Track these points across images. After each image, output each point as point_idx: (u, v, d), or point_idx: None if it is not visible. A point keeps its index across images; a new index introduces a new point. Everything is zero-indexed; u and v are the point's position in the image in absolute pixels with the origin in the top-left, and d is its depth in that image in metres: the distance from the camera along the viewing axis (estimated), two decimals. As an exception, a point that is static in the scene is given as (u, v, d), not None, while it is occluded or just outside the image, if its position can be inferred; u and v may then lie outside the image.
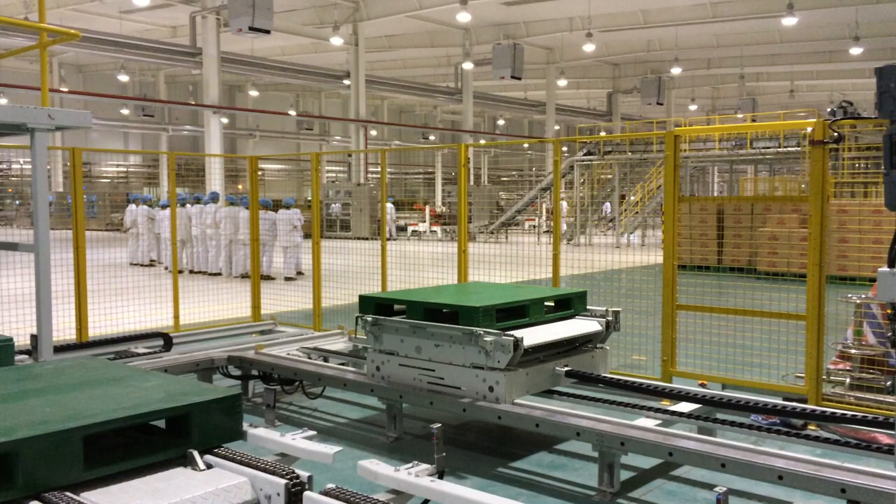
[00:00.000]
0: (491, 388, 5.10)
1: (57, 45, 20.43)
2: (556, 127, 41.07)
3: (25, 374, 3.73)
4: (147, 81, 39.92)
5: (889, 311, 2.99)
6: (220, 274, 16.73)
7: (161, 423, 3.32)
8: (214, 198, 17.60)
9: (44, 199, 5.31)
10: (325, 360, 6.79)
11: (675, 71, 33.06)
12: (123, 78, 35.00)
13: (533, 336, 5.26)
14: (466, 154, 8.02)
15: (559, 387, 5.62)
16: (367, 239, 24.27)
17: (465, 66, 32.85)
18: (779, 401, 5.18)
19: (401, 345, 5.54)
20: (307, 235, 13.37)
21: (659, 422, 4.91)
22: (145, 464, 3.04)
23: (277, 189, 44.36)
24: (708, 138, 25.48)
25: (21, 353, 5.72)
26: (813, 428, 5.15)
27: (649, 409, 5.15)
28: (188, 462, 3.11)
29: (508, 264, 8.89)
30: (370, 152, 15.91)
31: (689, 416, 4.98)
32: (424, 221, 30.85)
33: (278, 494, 2.94)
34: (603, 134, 41.05)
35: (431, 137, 48.95)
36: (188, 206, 17.76)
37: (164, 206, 18.09)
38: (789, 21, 24.73)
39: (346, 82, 31.24)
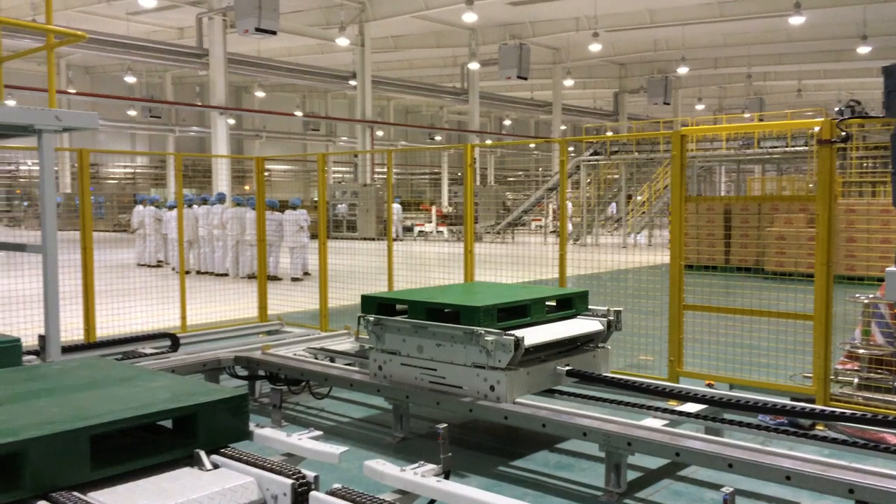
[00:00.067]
0: (492, 388, 5.12)
1: (64, 47, 20.50)
2: (563, 127, 41.04)
3: (33, 375, 3.74)
4: (154, 83, 40.04)
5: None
6: (226, 274, 16.76)
7: (168, 423, 3.32)
8: (221, 198, 17.63)
9: (51, 200, 5.33)
10: (332, 360, 6.80)
11: (682, 70, 32.98)
12: (130, 79, 35.12)
13: (534, 335, 5.27)
14: (472, 154, 8.01)
15: (561, 386, 5.63)
16: (373, 239, 24.30)
17: (471, 66, 32.85)
18: (786, 401, 5.16)
19: (403, 344, 5.57)
20: (313, 236, 13.39)
21: (666, 422, 4.89)
22: (152, 464, 3.05)
23: (284, 190, 44.39)
24: (715, 138, 25.41)
25: (29, 353, 5.75)
26: (821, 428, 5.13)
27: (656, 409, 5.14)
28: (195, 462, 3.11)
29: (515, 265, 8.88)
30: (376, 153, 15.96)
31: (696, 416, 4.97)
32: (431, 222, 30.87)
33: (285, 494, 2.94)
34: (609, 134, 40.98)
35: (438, 138, 48.95)
36: (195, 206, 17.80)
37: (171, 207, 18.13)
38: (797, 20, 24.65)
39: (353, 83, 31.28)
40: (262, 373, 6.73)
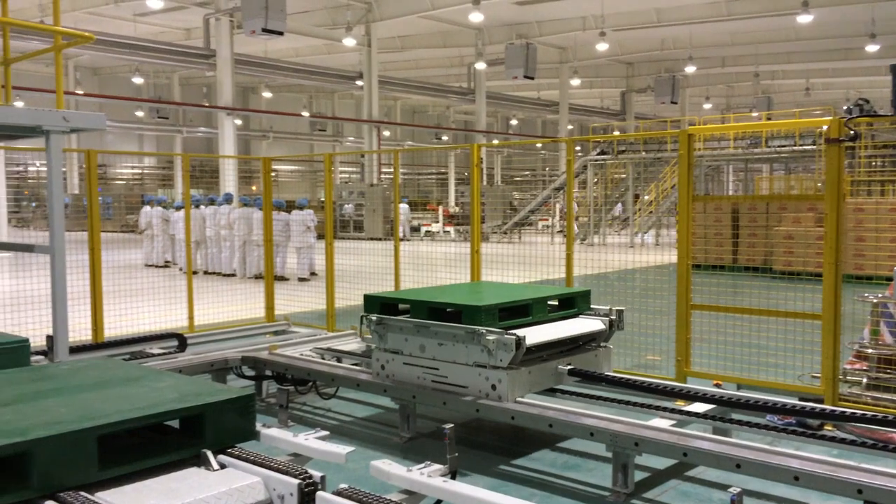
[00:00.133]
0: (493, 387, 5.14)
1: (72, 48, 20.59)
2: (570, 126, 40.98)
3: (41, 375, 3.76)
4: (161, 83, 40.15)
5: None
6: (234, 275, 16.80)
7: (175, 424, 3.33)
8: (228, 199, 17.68)
9: (59, 200, 5.35)
10: (339, 360, 6.80)
11: (690, 69, 32.91)
12: (138, 80, 35.23)
13: (535, 335, 5.29)
14: (479, 154, 8.01)
15: (564, 385, 5.65)
16: (380, 239, 24.32)
17: (477, 66, 32.83)
18: (795, 401, 5.14)
19: (405, 344, 5.59)
20: (320, 236, 13.41)
21: (673, 422, 4.88)
22: (159, 464, 3.05)
23: (291, 190, 44.50)
24: (723, 137, 25.34)
25: (37, 353, 5.77)
26: (829, 428, 5.11)
27: (663, 409, 5.13)
28: (202, 462, 3.12)
29: (522, 264, 8.87)
30: (383, 153, 15.96)
31: (703, 416, 4.96)
32: (438, 222, 30.87)
33: (291, 494, 2.95)
34: (616, 133, 40.91)
35: (444, 138, 48.95)
36: (202, 207, 17.85)
37: (178, 208, 18.18)
38: (804, 18, 24.57)
39: (359, 83, 31.30)
40: (268, 373, 6.74)
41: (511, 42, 29.56)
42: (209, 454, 3.12)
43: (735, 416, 5.17)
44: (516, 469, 5.14)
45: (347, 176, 46.47)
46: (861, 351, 6.11)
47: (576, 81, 36.41)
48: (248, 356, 6.80)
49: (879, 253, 12.14)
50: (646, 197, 29.15)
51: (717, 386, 5.70)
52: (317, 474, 3.03)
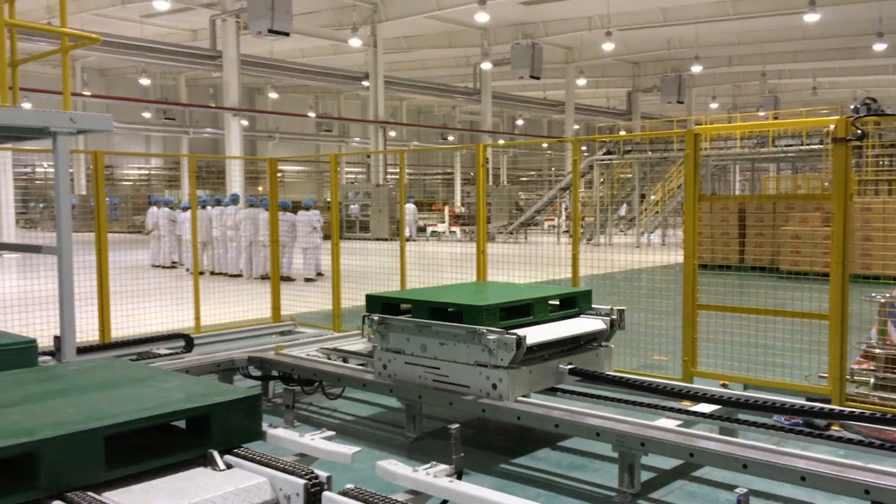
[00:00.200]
0: (494, 386, 5.16)
1: (79, 50, 20.64)
2: (576, 126, 40.94)
3: (48, 375, 3.77)
4: (168, 85, 40.27)
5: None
6: (240, 275, 16.83)
7: (182, 424, 3.34)
8: (235, 199, 17.71)
9: (66, 201, 5.37)
10: (345, 360, 6.81)
11: (696, 69, 32.82)
12: (145, 81, 35.32)
13: (536, 334, 5.31)
14: (485, 154, 8.01)
15: (566, 385, 5.67)
16: (386, 240, 24.33)
17: (483, 66, 32.82)
18: (802, 401, 5.13)
19: (407, 343, 5.61)
20: (326, 236, 13.43)
21: (679, 422, 4.87)
22: (166, 464, 3.06)
23: (297, 190, 44.55)
24: (729, 136, 25.27)
25: (44, 354, 5.79)
26: (836, 428, 5.09)
27: (669, 409, 5.12)
28: (208, 462, 3.12)
29: (528, 265, 8.87)
30: (389, 153, 15.98)
31: (710, 416, 4.95)
32: (443, 222, 30.88)
33: (297, 494, 2.95)
34: (623, 133, 40.87)
35: (450, 138, 48.95)
36: (209, 208, 17.89)
37: (185, 209, 18.23)
38: (811, 17, 24.48)
39: (365, 83, 31.33)
40: (275, 373, 6.75)
41: (517, 42, 29.54)
42: (216, 454, 3.12)
43: (742, 416, 5.16)
44: (521, 469, 5.14)
45: (353, 176, 46.54)
46: (868, 351, 6.09)
47: (582, 81, 36.36)
48: (254, 356, 6.81)
49: (887, 253, 12.09)
50: (652, 197, 29.09)
51: (724, 386, 5.68)
52: (323, 474, 3.04)
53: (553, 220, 31.30)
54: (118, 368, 3.95)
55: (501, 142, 43.96)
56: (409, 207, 29.15)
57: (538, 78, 29.69)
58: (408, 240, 9.37)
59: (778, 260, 15.54)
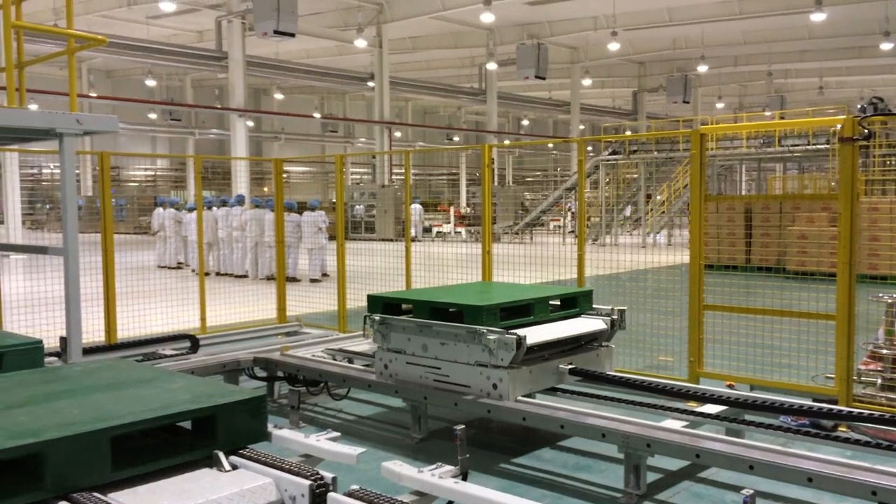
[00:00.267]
0: (494, 386, 5.18)
1: (85, 51, 20.70)
2: (581, 126, 40.89)
3: (54, 376, 3.78)
4: (174, 86, 40.37)
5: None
6: (246, 276, 16.86)
7: (187, 425, 3.35)
8: (240, 200, 17.74)
9: (73, 202, 5.39)
10: (350, 361, 6.82)
11: (702, 69, 32.74)
12: (151, 82, 35.43)
13: (536, 334, 5.32)
14: (490, 155, 8.00)
15: (568, 385, 5.68)
16: (391, 240, 24.34)
17: (489, 66, 32.80)
18: (808, 402, 5.11)
19: (408, 343, 5.63)
20: (332, 237, 13.45)
21: (685, 423, 4.86)
22: (172, 464, 3.06)
23: (302, 191, 44.63)
24: (735, 136, 25.21)
25: (51, 354, 5.81)
26: (843, 429, 5.07)
27: (675, 410, 5.11)
28: (214, 463, 3.13)
29: (533, 265, 8.86)
30: (394, 154, 15.95)
31: (716, 417, 4.93)
32: (449, 222, 30.88)
33: (303, 495, 2.95)
34: (628, 133, 40.79)
35: (455, 138, 48.95)
36: (214, 208, 17.92)
37: (190, 209, 18.26)
38: (818, 17, 24.39)
39: (371, 84, 31.34)
40: (280, 374, 6.76)
41: (522, 42, 29.51)
42: (221, 455, 3.13)
43: (748, 417, 5.14)
44: (525, 469, 5.13)
45: (359, 177, 46.56)
46: (875, 351, 6.06)
47: (587, 81, 36.32)
48: (259, 357, 6.82)
49: (894, 253, 12.05)
50: (658, 197, 29.03)
51: (730, 387, 5.67)
52: (328, 475, 3.04)
53: (558, 220, 31.27)
54: (124, 369, 3.96)
55: (507, 142, 43.93)
56: (416, 208, 29.15)
57: (543, 78, 29.66)
58: (413, 240, 9.36)
59: (784, 260, 15.50)
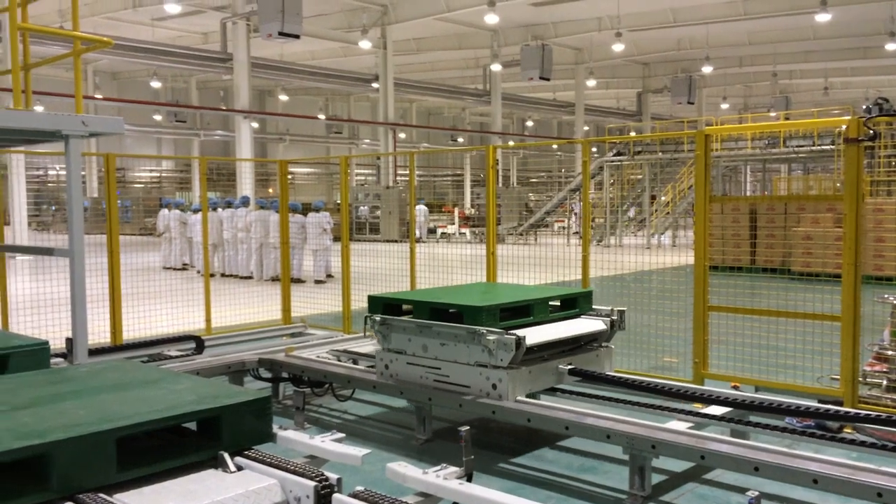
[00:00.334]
0: (494, 386, 5.20)
1: (91, 53, 20.74)
2: (586, 127, 40.87)
3: (60, 377, 3.79)
4: (179, 87, 40.44)
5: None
6: (251, 277, 16.88)
7: (193, 426, 3.35)
8: (245, 202, 17.76)
9: (78, 204, 5.40)
10: (355, 362, 6.82)
11: (706, 69, 32.68)
12: (156, 84, 35.49)
13: (536, 335, 5.33)
14: (495, 156, 8.01)
15: (572, 386, 5.70)
16: (396, 241, 24.34)
17: (493, 67, 32.80)
18: (814, 403, 5.10)
19: (408, 344, 5.65)
20: (336, 238, 13.47)
21: (690, 425, 4.85)
22: (177, 465, 3.07)
23: (307, 192, 44.63)
24: (740, 137, 25.16)
25: (56, 356, 5.82)
26: (849, 431, 5.06)
27: (680, 411, 5.10)
28: (219, 464, 3.13)
29: (537, 266, 8.85)
30: (399, 155, 15.98)
31: (721, 418, 4.92)
32: (453, 223, 30.88)
33: (308, 496, 2.95)
34: (633, 134, 40.73)
35: (460, 139, 48.95)
36: (219, 210, 17.95)
37: (195, 211, 18.29)
38: (823, 17, 24.35)
39: (375, 85, 31.36)
40: (285, 375, 6.77)
41: (526, 43, 29.51)
42: (226, 456, 3.13)
43: (753, 418, 5.13)
44: (529, 470, 5.13)
45: (363, 178, 46.58)
46: (881, 353, 6.05)
47: (592, 82, 36.28)
48: (264, 358, 6.83)
49: (900, 253, 12.00)
50: (662, 198, 28.99)
51: (735, 388, 5.66)
52: (333, 476, 3.04)
53: (563, 221, 31.25)
54: (129, 370, 3.97)
55: (511, 143, 43.88)
56: (421, 209, 29.16)
57: (548, 79, 29.65)
58: (418, 241, 9.36)
59: (789, 261, 15.46)
